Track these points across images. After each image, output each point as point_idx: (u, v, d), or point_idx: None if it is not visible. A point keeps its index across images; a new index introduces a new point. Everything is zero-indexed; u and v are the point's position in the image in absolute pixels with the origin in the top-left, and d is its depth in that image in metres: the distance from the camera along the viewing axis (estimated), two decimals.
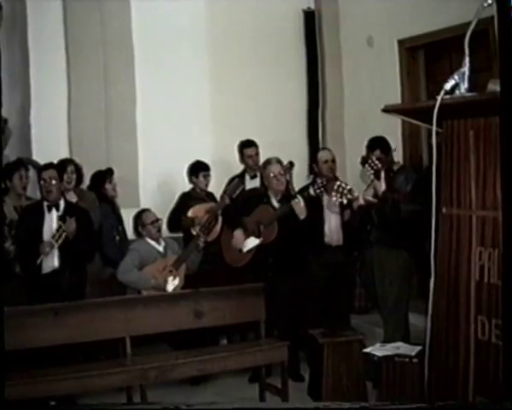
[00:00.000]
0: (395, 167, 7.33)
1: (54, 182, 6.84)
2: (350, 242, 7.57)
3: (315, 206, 7.27)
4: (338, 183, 5.51)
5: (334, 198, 5.52)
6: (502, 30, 3.48)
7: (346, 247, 7.58)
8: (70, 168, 7.65)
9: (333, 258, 7.51)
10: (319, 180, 7.12)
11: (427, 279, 4.92)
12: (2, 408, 3.45)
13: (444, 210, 4.34)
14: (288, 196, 7.39)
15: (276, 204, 7.33)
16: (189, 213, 7.73)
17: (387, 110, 4.77)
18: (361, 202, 5.38)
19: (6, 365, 6.06)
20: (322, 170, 7.59)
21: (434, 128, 4.11)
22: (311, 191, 7.02)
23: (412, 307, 7.25)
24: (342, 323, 7.41)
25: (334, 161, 7.61)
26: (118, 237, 7.71)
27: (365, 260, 7.85)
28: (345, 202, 5.45)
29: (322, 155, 7.70)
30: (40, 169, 7.05)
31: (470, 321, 4.27)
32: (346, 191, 5.40)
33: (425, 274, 4.97)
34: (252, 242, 7.27)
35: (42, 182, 6.89)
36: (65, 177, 7.52)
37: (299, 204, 7.02)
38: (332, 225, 7.52)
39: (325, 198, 7.41)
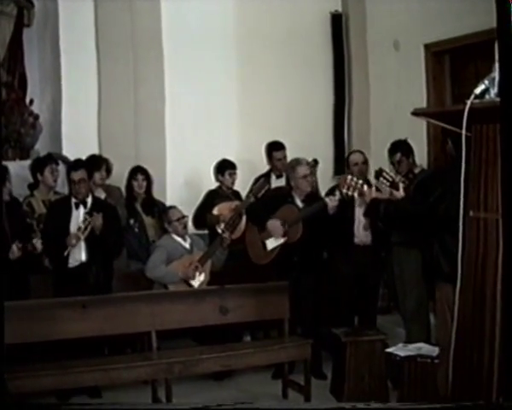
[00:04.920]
0: (416, 170, 7.36)
1: (83, 183, 6.90)
2: (378, 242, 7.58)
3: (346, 205, 7.30)
4: (350, 176, 5.49)
5: (344, 191, 5.52)
6: (502, 34, 3.48)
7: (374, 247, 7.59)
8: (104, 167, 7.77)
9: (361, 258, 7.53)
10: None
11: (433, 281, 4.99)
12: (4, 401, 3.51)
13: (471, 213, 4.31)
14: (311, 196, 7.41)
15: (300, 204, 7.35)
16: (215, 211, 7.77)
17: (416, 113, 4.79)
18: (373, 195, 5.34)
19: (34, 356, 6.23)
20: (352, 172, 7.52)
21: (464, 132, 4.11)
22: (338, 195, 7.02)
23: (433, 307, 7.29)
24: (369, 323, 7.47)
25: (365, 162, 7.63)
26: (137, 230, 7.74)
27: (387, 261, 7.89)
28: (356, 195, 5.43)
29: (353, 158, 7.72)
30: (70, 169, 7.04)
31: (496, 324, 4.27)
32: (358, 185, 5.38)
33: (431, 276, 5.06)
34: (276, 240, 7.27)
35: (72, 184, 6.91)
36: (97, 175, 7.66)
37: (335, 201, 7.03)
38: (361, 225, 7.54)
39: (357, 198, 7.46)
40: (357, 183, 5.31)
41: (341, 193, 6.96)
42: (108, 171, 7.96)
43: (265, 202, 7.50)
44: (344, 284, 7.57)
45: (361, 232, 7.55)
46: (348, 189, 5.35)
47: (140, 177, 7.81)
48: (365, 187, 5.31)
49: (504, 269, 3.73)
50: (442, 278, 4.84)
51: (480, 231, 4.30)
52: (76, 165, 7.05)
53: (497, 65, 4.03)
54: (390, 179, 5.72)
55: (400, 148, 7.35)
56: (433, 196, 4.78)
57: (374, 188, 5.37)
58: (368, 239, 7.57)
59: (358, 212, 7.47)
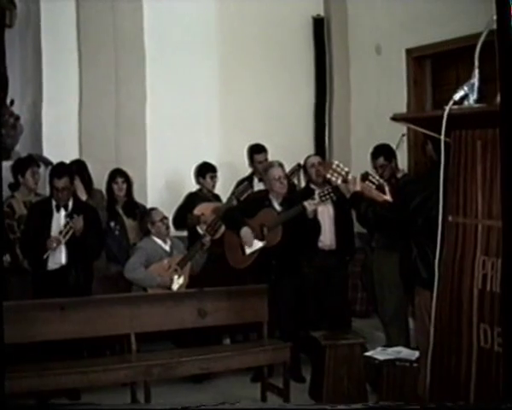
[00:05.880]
0: (399, 175, 7.42)
1: (66, 191, 6.88)
2: (343, 246, 7.68)
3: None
4: (336, 162, 5.38)
5: (328, 176, 5.37)
6: (502, 38, 3.48)
7: (339, 251, 7.68)
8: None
9: (326, 262, 7.61)
10: (325, 187, 7.04)
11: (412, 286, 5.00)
12: (2, 403, 3.49)
13: (450, 218, 4.30)
14: (289, 199, 7.39)
15: (278, 207, 7.34)
16: (196, 211, 7.78)
17: (396, 119, 4.79)
18: (357, 188, 5.24)
19: (12, 358, 6.18)
20: (311, 175, 7.73)
21: (443, 138, 4.10)
22: (317, 198, 7.01)
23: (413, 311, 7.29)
24: (342, 326, 7.49)
25: (321, 164, 7.67)
26: (118, 233, 7.72)
27: (367, 265, 7.89)
28: (339, 182, 5.31)
29: (310, 160, 7.82)
30: (53, 175, 6.99)
31: (473, 329, 4.22)
32: (343, 172, 5.27)
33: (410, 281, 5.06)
34: (255, 244, 7.26)
35: (54, 191, 6.87)
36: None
37: (313, 205, 7.02)
38: (326, 230, 7.58)
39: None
40: (342, 169, 5.20)
41: (320, 196, 6.98)
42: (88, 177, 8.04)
43: (243, 206, 7.50)
44: (309, 289, 7.57)
45: (326, 237, 7.59)
46: (332, 175, 5.22)
47: (119, 180, 7.77)
48: (350, 176, 5.21)
49: (504, 271, 3.72)
50: (420, 283, 4.85)
51: (459, 236, 4.30)
52: (59, 172, 6.97)
53: (476, 71, 4.02)
54: (376, 183, 5.68)
55: (383, 152, 7.37)
56: (413, 203, 4.77)
57: (359, 179, 5.27)
58: (333, 244, 7.64)
59: (322, 216, 7.50)
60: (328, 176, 5.27)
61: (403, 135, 7.30)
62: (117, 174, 7.81)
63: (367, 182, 5.65)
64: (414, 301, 5.07)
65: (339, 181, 5.23)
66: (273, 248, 7.21)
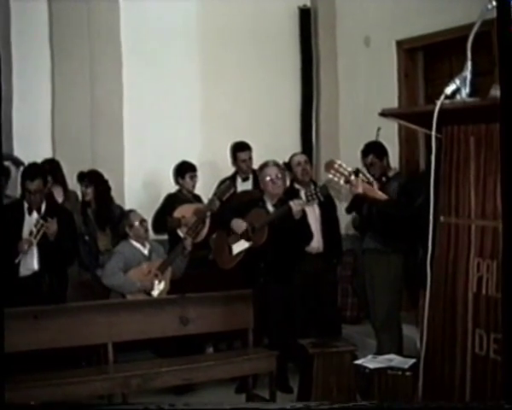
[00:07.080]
0: (390, 173, 7.32)
1: (39, 194, 6.70)
2: (330, 249, 7.60)
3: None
4: (339, 162, 5.29)
5: (330, 176, 5.29)
6: (502, 33, 3.39)
7: (327, 254, 7.59)
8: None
9: (313, 266, 7.45)
10: (312, 187, 7.00)
11: (417, 289, 4.83)
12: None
13: (442, 219, 4.21)
14: (284, 200, 7.23)
15: (270, 208, 7.21)
16: (176, 213, 7.65)
17: (385, 114, 4.64)
18: (360, 190, 5.14)
19: None
20: (296, 174, 7.66)
21: (434, 134, 3.96)
22: (304, 198, 6.92)
23: (406, 317, 7.19)
24: (332, 332, 7.36)
25: (307, 162, 7.76)
26: (87, 238, 7.54)
27: (357, 269, 7.78)
28: (342, 182, 5.21)
29: (295, 159, 7.77)
30: (25, 177, 6.81)
31: (467, 335, 4.14)
32: (346, 172, 5.16)
33: (415, 283, 4.91)
34: (241, 245, 7.14)
35: (27, 193, 6.70)
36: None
37: (300, 206, 6.88)
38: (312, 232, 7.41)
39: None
40: (345, 169, 5.15)
41: (306, 196, 6.83)
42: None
43: (236, 207, 7.36)
44: (297, 294, 7.39)
45: (313, 239, 7.42)
46: (335, 175, 5.17)
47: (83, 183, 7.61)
48: (353, 176, 5.14)
49: (504, 274, 3.59)
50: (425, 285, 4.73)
51: (451, 238, 4.21)
52: (32, 173, 6.80)
53: (468, 63, 3.89)
54: (366, 181, 5.56)
55: (374, 149, 7.29)
56: (418, 200, 4.68)
57: (360, 180, 5.18)
58: (320, 247, 7.52)
59: (309, 219, 7.34)
60: (330, 176, 5.24)
61: (379, 129, 7.22)
62: (81, 177, 7.65)
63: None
64: (418, 305, 4.96)
65: (341, 182, 5.19)
66: (260, 248, 7.05)
